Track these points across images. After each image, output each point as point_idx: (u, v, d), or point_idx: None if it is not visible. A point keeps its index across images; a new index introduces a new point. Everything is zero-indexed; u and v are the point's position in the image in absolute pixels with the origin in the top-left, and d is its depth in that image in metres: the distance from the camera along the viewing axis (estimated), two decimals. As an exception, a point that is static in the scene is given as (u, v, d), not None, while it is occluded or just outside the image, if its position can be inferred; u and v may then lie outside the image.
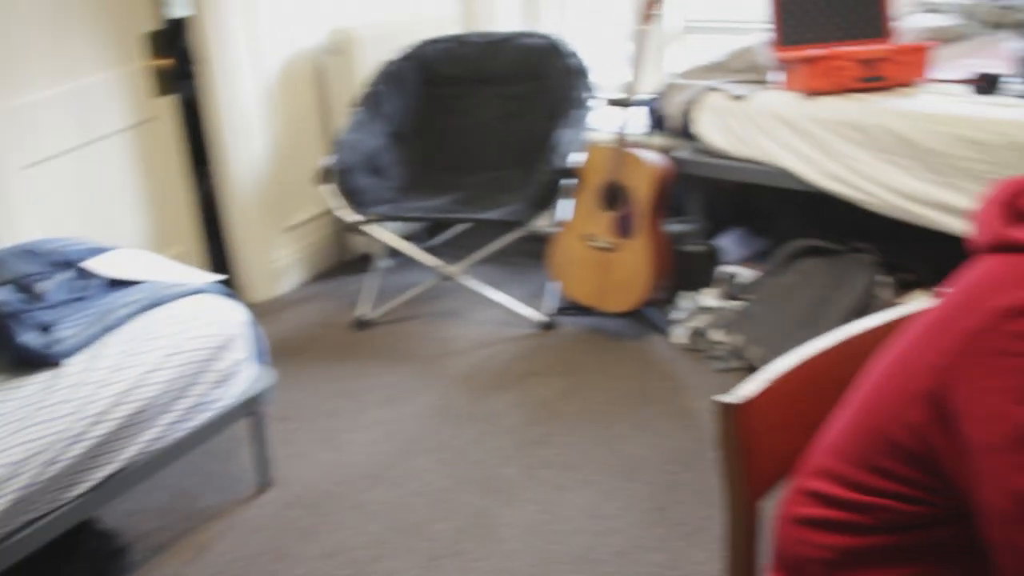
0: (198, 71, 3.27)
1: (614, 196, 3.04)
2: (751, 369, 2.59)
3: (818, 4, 3.01)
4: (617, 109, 3.02)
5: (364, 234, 3.33)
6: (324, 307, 3.50)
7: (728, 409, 1.14)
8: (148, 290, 2.17)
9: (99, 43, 2.91)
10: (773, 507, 1.19)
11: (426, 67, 3.56)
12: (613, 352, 3.05)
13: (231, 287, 3.34)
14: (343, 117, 3.49)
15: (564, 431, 2.64)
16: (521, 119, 3.56)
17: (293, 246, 3.66)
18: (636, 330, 3.16)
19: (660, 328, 3.13)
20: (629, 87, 3.02)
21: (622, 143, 3.00)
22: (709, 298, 3.08)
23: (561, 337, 3.17)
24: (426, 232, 3.96)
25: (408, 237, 3.63)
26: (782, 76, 2.98)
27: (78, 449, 1.87)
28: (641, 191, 2.99)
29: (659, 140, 3.22)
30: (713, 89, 3.05)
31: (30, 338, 1.94)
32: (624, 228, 3.04)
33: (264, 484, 2.46)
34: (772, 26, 2.98)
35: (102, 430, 1.92)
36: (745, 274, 3.12)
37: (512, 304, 3.29)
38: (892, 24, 3.01)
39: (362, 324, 3.30)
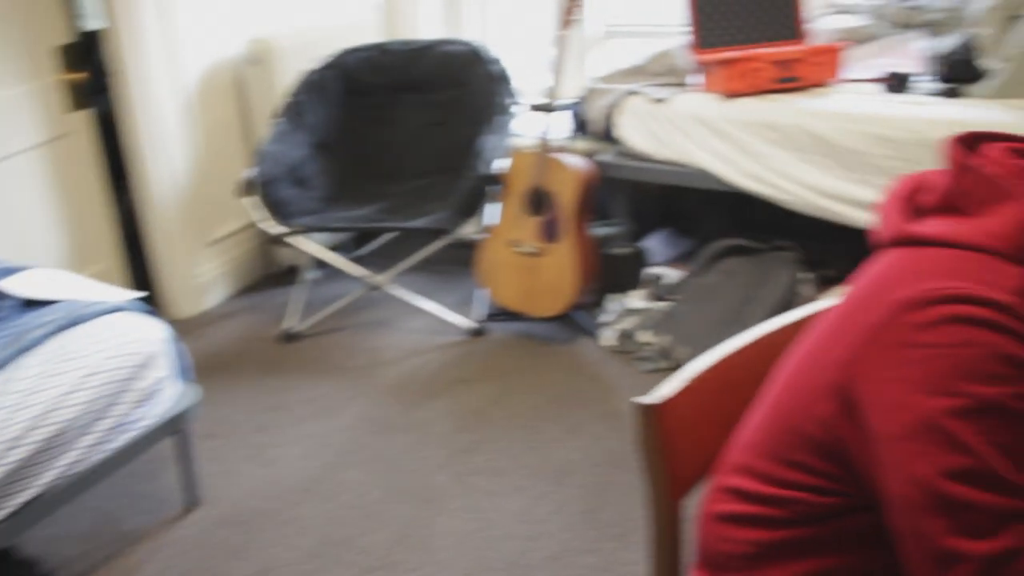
0: (114, 84, 3.20)
1: (539, 201, 3.06)
2: (679, 369, 2.61)
3: (734, 7, 3.06)
4: (540, 114, 3.04)
5: (289, 246, 3.30)
6: (251, 321, 3.45)
7: (646, 410, 1.15)
8: (64, 309, 2.12)
9: (8, 58, 2.83)
10: (695, 505, 1.20)
11: (348, 76, 3.53)
12: (543, 357, 3.06)
13: (153, 304, 3.29)
14: (265, 128, 3.45)
15: (495, 437, 2.64)
16: (445, 126, 3.55)
17: (218, 260, 3.60)
18: (565, 334, 3.18)
19: (589, 331, 3.14)
20: (551, 92, 3.03)
21: (545, 148, 3.02)
22: (636, 300, 3.11)
23: (491, 343, 3.17)
24: (353, 242, 3.93)
25: (335, 248, 3.60)
26: (701, 78, 3.02)
27: (-7, 476, 1.81)
28: (565, 195, 3.01)
29: (582, 144, 3.24)
30: (634, 93, 3.08)
31: (-61, 363, 1.88)
32: (550, 233, 3.05)
33: (191, 503, 2.41)
34: (689, 29, 3.03)
35: (19, 455, 1.86)
36: (671, 275, 3.16)
37: (441, 312, 3.28)
38: (806, 26, 3.08)
39: (290, 337, 3.26)
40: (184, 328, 3.35)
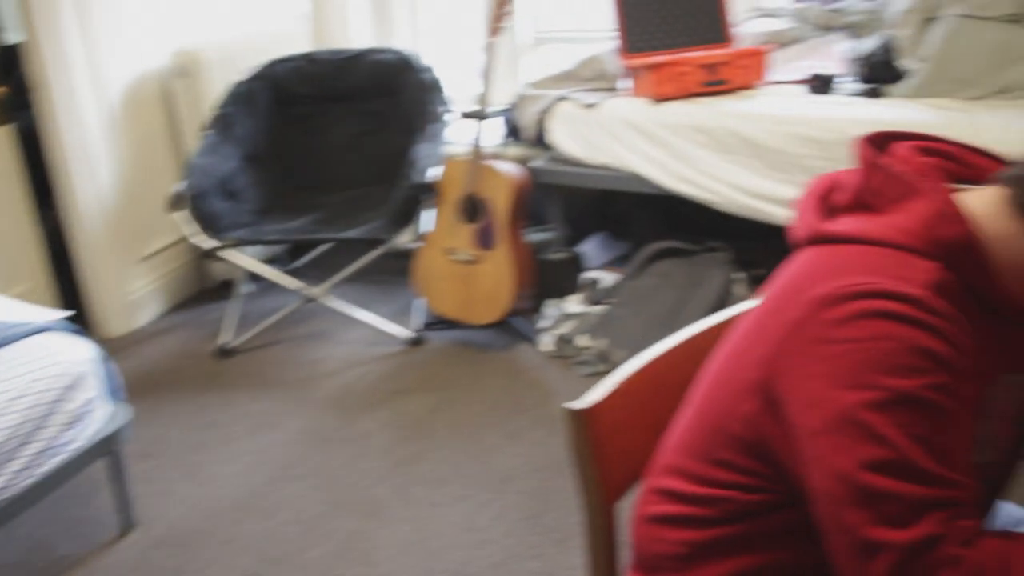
0: (36, 99, 3.12)
1: (473, 209, 3.06)
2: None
3: (661, 12, 3.10)
4: (472, 122, 3.04)
5: (223, 260, 3.25)
6: (185, 337, 3.39)
7: (576, 415, 1.16)
8: (-14, 332, 2.06)
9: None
10: (629, 508, 1.21)
11: (277, 87, 3.50)
12: (482, 364, 3.05)
13: (84, 322, 3.22)
14: (195, 141, 3.40)
15: (436, 447, 2.63)
16: (377, 136, 3.54)
17: (150, 276, 3.53)
18: (504, 340, 3.18)
19: (527, 337, 3.15)
20: (482, 99, 3.03)
21: (478, 155, 3.02)
22: (574, 304, 3.13)
23: (429, 352, 3.16)
24: (288, 255, 3.89)
25: (270, 261, 3.56)
26: (630, 83, 3.05)
27: (-86, 506, 1.76)
28: (499, 202, 3.01)
29: (515, 151, 3.25)
30: (564, 98, 3.10)
31: None
32: (485, 240, 3.06)
33: (127, 526, 2.36)
34: (617, 35, 3.05)
35: (-59, 484, 1.81)
36: (607, 279, 3.18)
37: (378, 322, 3.26)
38: (732, 30, 3.13)
39: (225, 352, 3.22)
40: (117, 346, 3.29)
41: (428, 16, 4.18)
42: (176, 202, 3.10)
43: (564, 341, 3.03)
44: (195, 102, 3.47)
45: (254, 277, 3.41)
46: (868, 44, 2.93)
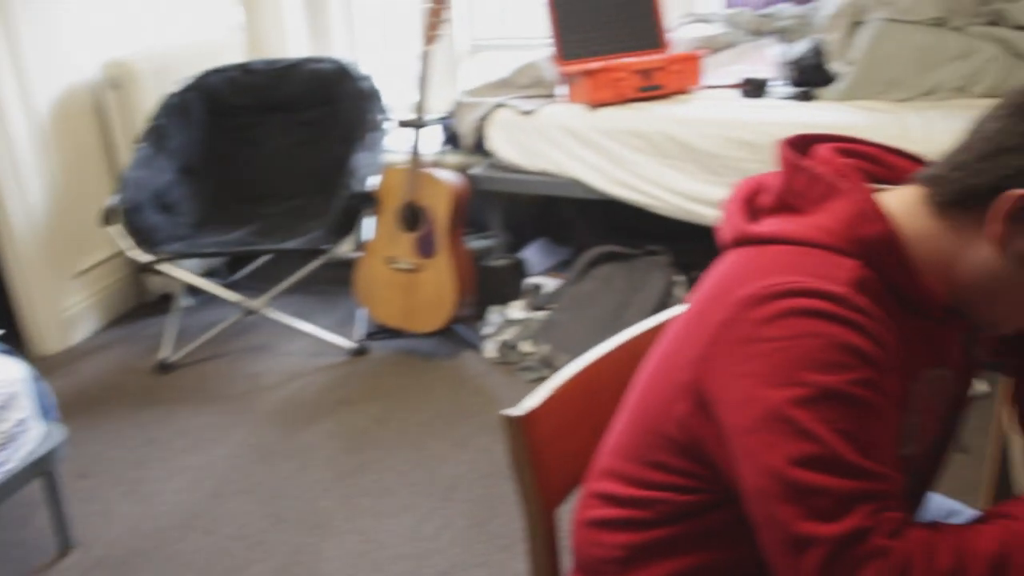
0: (-39, 114, 3.05)
1: (413, 217, 3.05)
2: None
3: (596, 19, 3.12)
4: (410, 130, 3.03)
5: (160, 274, 3.20)
6: (123, 353, 3.33)
7: (514, 422, 1.16)
8: (-88, 353, 2.01)
9: None
10: (570, 512, 1.21)
11: (211, 97, 3.45)
12: (426, 372, 3.05)
13: (17, 341, 3.15)
14: (129, 154, 3.34)
15: (381, 457, 2.62)
16: (315, 145, 3.51)
17: (85, 292, 3.47)
18: (448, 348, 3.18)
19: (471, 344, 3.15)
20: (419, 107, 3.03)
21: (417, 163, 3.02)
22: (516, 310, 3.14)
23: (373, 362, 3.14)
24: (227, 267, 3.85)
25: (208, 273, 3.51)
26: (566, 89, 3.07)
27: None
28: (439, 210, 3.01)
29: (454, 158, 3.26)
30: (502, 105, 3.11)
31: None
32: (425, 248, 3.05)
33: (65, 548, 2.31)
34: (552, 42, 3.07)
35: None
36: (549, 284, 3.20)
37: (320, 333, 3.24)
38: (666, 35, 3.16)
39: (165, 367, 3.17)
40: (52, 364, 3.22)
41: (365, 25, 4.16)
42: (109, 216, 3.05)
43: (508, 347, 3.03)
44: (128, 114, 3.41)
45: (193, 291, 3.36)
46: (799, 48, 2.99)
